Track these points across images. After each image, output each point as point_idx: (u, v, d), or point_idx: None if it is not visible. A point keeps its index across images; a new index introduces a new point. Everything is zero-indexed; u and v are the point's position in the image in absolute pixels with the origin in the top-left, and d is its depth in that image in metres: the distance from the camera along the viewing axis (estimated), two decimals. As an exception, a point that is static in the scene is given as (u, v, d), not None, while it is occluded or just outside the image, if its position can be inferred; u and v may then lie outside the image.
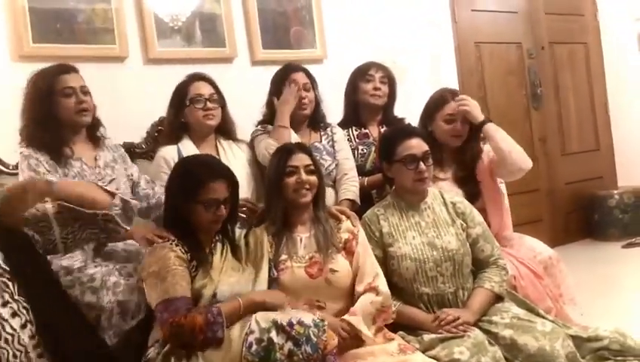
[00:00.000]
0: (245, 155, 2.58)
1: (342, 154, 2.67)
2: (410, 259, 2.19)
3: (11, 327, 1.53)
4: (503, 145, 2.52)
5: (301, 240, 2.13)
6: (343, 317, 1.99)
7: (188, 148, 2.44)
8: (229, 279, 1.97)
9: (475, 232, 2.28)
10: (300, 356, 1.70)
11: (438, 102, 2.66)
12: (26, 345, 1.53)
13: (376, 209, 2.33)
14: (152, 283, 1.85)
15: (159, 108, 2.67)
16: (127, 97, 2.94)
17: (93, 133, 2.32)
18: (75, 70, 2.25)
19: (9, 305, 1.55)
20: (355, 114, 2.90)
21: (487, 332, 2.09)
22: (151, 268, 1.88)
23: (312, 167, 2.15)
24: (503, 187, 2.76)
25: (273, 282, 2.05)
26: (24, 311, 1.55)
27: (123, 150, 2.51)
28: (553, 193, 4.54)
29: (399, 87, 3.25)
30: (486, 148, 2.74)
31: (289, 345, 1.71)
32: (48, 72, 2.21)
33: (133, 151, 2.75)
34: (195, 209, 1.95)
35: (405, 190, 2.30)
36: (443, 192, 2.38)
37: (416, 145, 2.24)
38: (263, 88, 2.76)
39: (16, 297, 1.55)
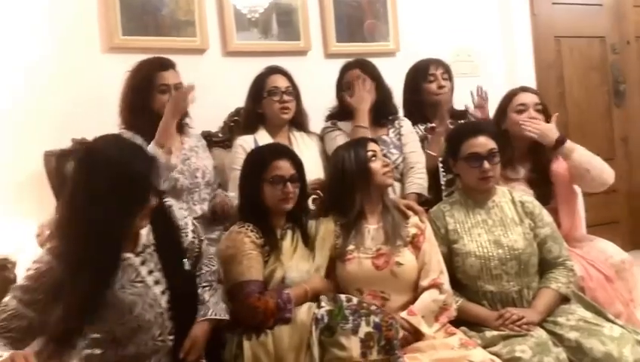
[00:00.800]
0: (316, 147, 2.66)
1: (409, 147, 2.68)
2: (475, 256, 2.20)
3: (154, 294, 1.70)
4: (581, 165, 2.45)
5: (369, 231, 2.17)
6: (402, 316, 2.02)
7: (263, 138, 2.54)
8: (297, 265, 2.06)
9: (544, 232, 2.25)
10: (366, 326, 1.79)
11: (507, 97, 2.64)
12: (163, 310, 1.71)
13: (442, 205, 2.35)
14: (228, 265, 1.98)
15: (236, 99, 2.79)
16: (205, 88, 3.03)
17: (180, 122, 2.47)
18: (173, 66, 2.40)
19: (153, 274, 1.72)
20: (420, 112, 2.89)
21: (551, 333, 2.07)
22: (228, 252, 2.01)
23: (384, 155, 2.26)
24: (577, 187, 2.69)
25: (338, 272, 2.12)
26: (164, 280, 1.72)
27: (204, 141, 2.65)
28: (632, 195, 4.35)
29: (474, 82, 3.23)
30: None
31: (355, 317, 1.81)
32: (150, 66, 2.37)
33: (211, 140, 2.89)
34: (263, 188, 2.07)
35: (471, 188, 2.30)
36: (512, 191, 2.36)
37: (482, 144, 2.23)
38: (335, 81, 2.80)
39: (158, 266, 1.73)
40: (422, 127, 2.85)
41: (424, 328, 2.00)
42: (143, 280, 1.70)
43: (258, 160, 2.14)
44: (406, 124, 2.76)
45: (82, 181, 1.63)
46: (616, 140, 4.30)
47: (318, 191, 2.41)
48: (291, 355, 1.83)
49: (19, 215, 2.70)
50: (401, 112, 2.91)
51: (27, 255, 2.39)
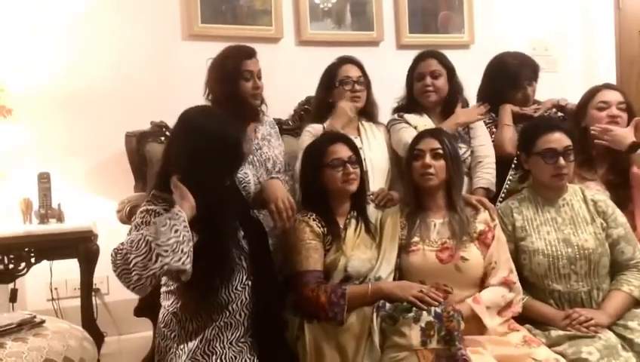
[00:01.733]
0: (384, 138, 2.66)
1: (478, 140, 2.64)
2: (543, 254, 2.16)
3: (239, 237, 1.91)
4: None
5: (435, 225, 2.17)
6: (467, 301, 2.01)
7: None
8: (360, 255, 2.08)
9: (617, 233, 2.18)
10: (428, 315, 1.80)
11: (588, 94, 2.56)
12: (244, 248, 1.91)
13: (511, 202, 2.31)
14: (289, 254, 2.04)
15: (307, 88, 2.83)
16: (278, 76, 3.14)
17: (255, 109, 2.53)
18: (255, 54, 2.45)
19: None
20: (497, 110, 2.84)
21: (621, 337, 2.01)
22: (289, 240, 2.07)
23: (440, 151, 2.16)
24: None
25: (401, 263, 2.13)
26: (240, 227, 1.93)
27: (277, 127, 2.71)
28: None
29: (552, 77, 3.13)
30: None
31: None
32: (236, 54, 2.42)
33: (281, 128, 2.95)
34: (325, 174, 2.11)
35: (542, 184, 2.25)
36: (584, 189, 2.30)
37: (558, 140, 2.18)
38: (406, 72, 2.78)
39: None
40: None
41: (487, 319, 1.98)
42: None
43: (315, 148, 2.19)
44: None
45: (182, 145, 1.82)
46: (703, 141, 4.06)
47: (381, 194, 2.41)
48: (352, 341, 1.87)
49: (101, 192, 2.89)
50: (474, 102, 2.87)
51: (108, 229, 2.57)
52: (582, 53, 3.83)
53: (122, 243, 1.66)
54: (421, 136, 2.23)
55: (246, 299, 1.88)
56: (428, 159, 2.14)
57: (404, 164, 2.21)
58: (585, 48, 3.84)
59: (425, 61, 2.67)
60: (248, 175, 2.13)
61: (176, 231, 1.64)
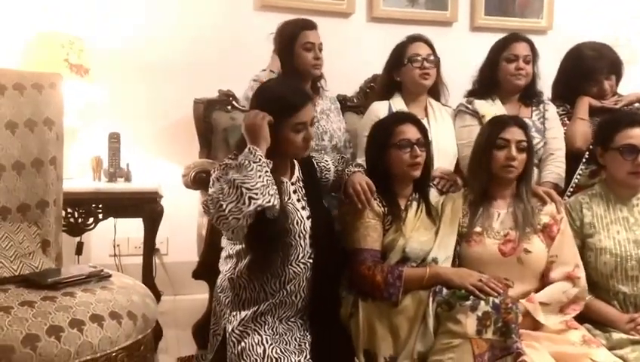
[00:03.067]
0: (451, 120, 2.61)
1: (552, 132, 2.56)
2: (611, 253, 2.08)
3: (301, 216, 1.94)
4: None
5: (498, 215, 2.11)
6: (520, 300, 1.96)
7: (398, 105, 2.53)
8: (420, 237, 2.06)
9: (692, 239, 2.08)
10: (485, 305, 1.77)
11: None
12: (306, 231, 1.93)
13: (581, 197, 2.23)
14: (347, 231, 2.04)
15: (374, 65, 2.79)
16: (347, 52, 3.12)
17: (315, 84, 2.54)
18: (315, 27, 2.49)
19: (301, 202, 1.98)
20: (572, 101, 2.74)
21: (687, 346, 1.94)
22: (348, 217, 2.06)
23: (525, 144, 2.10)
24: None
25: (460, 252, 2.09)
26: (309, 208, 1.98)
27: (338, 103, 2.70)
28: None
29: (633, 70, 2.98)
30: None
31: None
32: (295, 24, 2.48)
33: (345, 104, 2.95)
34: (391, 155, 2.07)
35: (617, 181, 2.17)
36: (662, 190, 2.19)
37: (638, 135, 2.09)
38: (479, 55, 2.71)
39: (305, 198, 2.00)
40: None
41: (540, 317, 1.94)
42: (293, 203, 1.93)
43: (383, 127, 2.15)
44: (551, 108, 2.63)
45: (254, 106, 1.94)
46: None
47: (445, 177, 2.38)
48: (405, 323, 1.86)
49: (167, 155, 2.97)
50: (549, 91, 2.79)
51: (172, 192, 2.64)
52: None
53: (210, 194, 1.74)
54: (506, 123, 2.12)
55: (304, 281, 1.91)
56: (514, 151, 2.07)
57: (482, 150, 2.12)
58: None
59: (520, 43, 2.58)
60: (329, 163, 2.15)
61: (259, 175, 1.71)
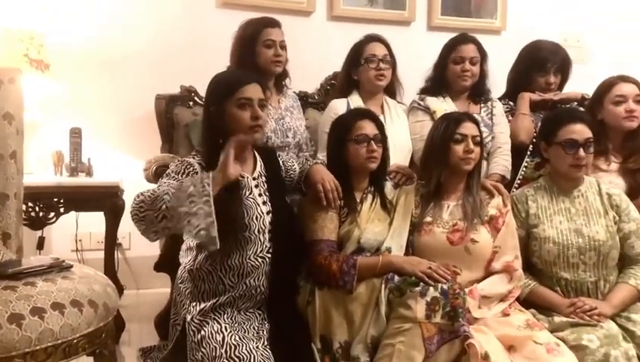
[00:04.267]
0: (406, 118, 2.71)
1: (499, 127, 2.69)
2: (554, 242, 2.20)
3: (261, 211, 1.99)
4: None
5: (448, 206, 2.21)
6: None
7: (356, 102, 2.61)
8: (374, 228, 2.14)
9: (628, 227, 2.21)
10: (434, 291, 1.86)
11: (605, 87, 2.57)
12: (266, 226, 1.98)
13: (527, 189, 2.34)
14: (305, 222, 2.11)
15: (335, 63, 2.87)
16: (307, 50, 3.19)
17: (280, 82, 2.60)
18: (278, 25, 2.52)
19: (262, 197, 2.02)
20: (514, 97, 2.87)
21: (623, 328, 2.05)
22: (305, 209, 2.13)
23: (478, 139, 2.21)
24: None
25: (412, 242, 2.18)
26: (269, 203, 2.02)
27: (299, 102, 2.76)
28: None
29: (580, 69, 3.13)
30: None
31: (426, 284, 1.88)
32: (257, 22, 2.51)
33: (306, 101, 3.02)
34: (349, 149, 2.16)
35: (560, 174, 2.28)
36: (600, 182, 2.32)
37: (579, 131, 2.20)
38: (435, 54, 2.80)
39: (267, 193, 2.03)
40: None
41: (476, 313, 2.03)
42: (254, 198, 1.98)
43: (342, 122, 2.24)
44: (499, 105, 2.77)
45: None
46: None
47: (400, 171, 2.45)
48: (360, 309, 1.93)
49: (129, 150, 2.99)
50: (503, 88, 2.92)
51: (133, 187, 2.67)
52: (614, 46, 3.79)
53: (147, 191, 1.78)
54: (462, 119, 2.22)
55: (263, 275, 1.96)
56: (471, 145, 2.17)
57: (439, 144, 2.20)
58: (617, 42, 3.80)
59: (467, 45, 2.69)
60: (294, 164, 2.22)
61: (191, 202, 1.70)
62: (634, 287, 2.15)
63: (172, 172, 1.92)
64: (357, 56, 2.64)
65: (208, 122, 1.97)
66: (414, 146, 2.60)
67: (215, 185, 1.73)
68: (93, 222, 2.75)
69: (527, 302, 2.20)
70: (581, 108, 2.76)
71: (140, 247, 3.08)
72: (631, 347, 1.99)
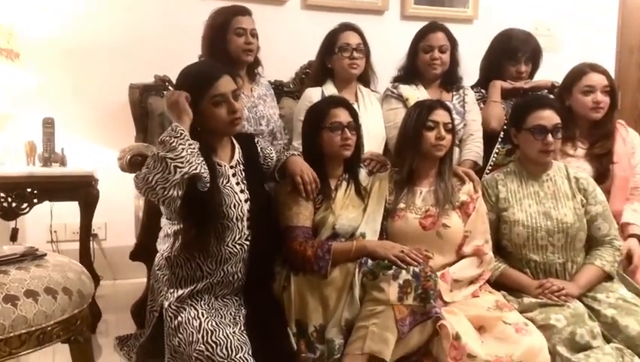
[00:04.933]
0: (380, 106, 2.74)
1: (471, 115, 2.73)
2: (523, 225, 2.25)
3: (238, 199, 2.00)
4: None
5: (421, 192, 2.25)
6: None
7: (331, 91, 2.64)
8: (348, 214, 2.17)
9: (595, 210, 2.28)
10: (406, 274, 1.90)
11: (575, 75, 2.62)
12: (244, 213, 2.00)
13: (497, 174, 2.40)
14: (280, 209, 2.13)
15: (310, 51, 2.87)
16: (283, 39, 3.20)
17: (252, 70, 2.61)
18: (249, 13, 2.52)
19: (240, 185, 2.04)
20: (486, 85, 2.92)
21: (589, 307, 2.12)
22: (281, 196, 2.15)
23: (450, 126, 2.25)
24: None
25: (386, 227, 2.22)
26: (247, 191, 2.04)
27: (272, 90, 2.78)
28: None
29: (552, 57, 3.18)
30: (632, 133, 2.66)
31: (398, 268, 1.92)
32: (227, 11, 2.51)
33: (282, 90, 3.03)
34: (324, 136, 2.18)
35: (529, 159, 2.34)
36: (568, 167, 2.38)
37: (548, 117, 2.25)
38: (408, 43, 2.83)
39: (244, 181, 2.05)
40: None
41: (447, 296, 2.09)
42: (231, 186, 2.00)
43: (317, 110, 2.26)
44: (470, 93, 2.82)
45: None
46: (693, 132, 4.13)
47: (374, 158, 2.48)
48: (334, 293, 1.97)
49: (103, 140, 2.97)
50: (475, 76, 2.96)
51: (108, 176, 2.67)
52: (584, 36, 3.86)
53: (139, 171, 1.81)
54: (434, 107, 2.26)
55: (240, 262, 1.98)
56: (443, 132, 2.21)
57: (411, 131, 2.24)
58: (587, 32, 3.87)
59: (435, 34, 2.72)
60: (272, 152, 2.24)
61: (182, 147, 1.78)
62: (600, 268, 2.21)
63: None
64: (331, 44, 2.66)
65: None
66: (388, 134, 2.63)
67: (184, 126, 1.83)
68: (69, 213, 2.74)
69: (497, 283, 2.26)
70: (551, 96, 2.82)
71: (116, 237, 3.09)
72: (596, 325, 2.06)
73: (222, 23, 2.47)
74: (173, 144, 1.78)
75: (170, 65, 2.71)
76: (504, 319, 2.00)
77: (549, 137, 2.24)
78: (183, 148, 1.79)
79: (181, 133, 1.81)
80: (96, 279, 2.61)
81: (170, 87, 2.80)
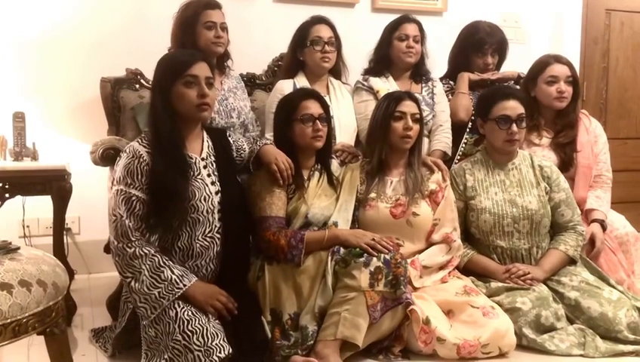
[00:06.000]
0: (350, 98, 2.78)
1: (439, 106, 2.79)
2: (490, 213, 2.32)
3: (209, 191, 2.02)
4: None
5: (391, 182, 2.31)
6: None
7: (302, 83, 2.66)
8: (321, 204, 2.22)
9: (558, 197, 2.36)
10: (377, 261, 1.95)
11: (539, 66, 2.69)
12: (215, 206, 2.01)
13: (464, 163, 2.47)
14: (253, 200, 2.16)
15: (282, 44, 2.89)
16: (254, 32, 3.21)
17: (222, 63, 2.61)
18: (219, 6, 2.52)
19: (211, 177, 2.04)
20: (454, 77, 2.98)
21: (553, 290, 2.21)
22: (254, 186, 2.18)
23: (418, 116, 2.30)
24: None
25: (358, 216, 2.27)
26: (218, 183, 2.05)
27: (243, 83, 2.79)
28: (665, 175, 4.33)
29: (520, 48, 3.24)
30: (595, 123, 2.74)
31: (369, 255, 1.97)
32: (197, 4, 2.50)
33: (254, 82, 3.04)
34: (295, 127, 2.22)
35: (495, 148, 2.41)
36: (533, 155, 2.46)
37: (512, 107, 2.32)
38: (379, 35, 2.86)
39: (215, 173, 2.07)
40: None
41: (416, 282, 2.16)
42: (203, 178, 2.02)
43: (288, 102, 2.29)
44: (439, 85, 2.87)
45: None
46: (655, 120, 4.27)
47: (346, 149, 2.52)
48: (307, 281, 2.02)
49: (75, 134, 2.96)
50: (445, 68, 3.02)
51: (80, 170, 2.66)
52: (550, 27, 3.95)
53: (118, 248, 1.93)
54: (401, 98, 2.31)
55: (214, 255, 2.01)
56: (410, 122, 2.25)
57: (380, 122, 2.30)
58: (553, 23, 3.95)
59: (410, 24, 2.77)
60: (244, 144, 2.26)
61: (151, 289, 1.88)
62: (563, 253, 2.30)
63: (126, 174, 1.92)
64: (303, 37, 2.69)
65: (157, 104, 1.98)
66: (359, 126, 2.68)
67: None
68: (41, 208, 2.72)
69: (466, 269, 2.33)
70: (517, 87, 2.89)
71: (90, 231, 3.08)
72: (560, 307, 2.15)
73: (191, 17, 2.47)
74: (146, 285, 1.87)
75: (142, 58, 2.75)
76: (472, 303, 2.08)
77: (514, 127, 2.30)
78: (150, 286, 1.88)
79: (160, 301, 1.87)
80: (70, 273, 2.60)
81: (142, 80, 2.81)
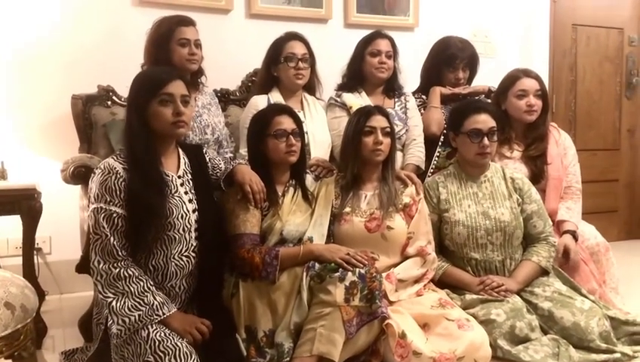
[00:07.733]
0: (324, 113, 2.79)
1: (413, 121, 2.82)
2: (463, 225, 2.35)
3: (186, 209, 2.00)
4: None
5: (365, 196, 2.32)
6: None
7: (276, 99, 2.67)
8: (296, 220, 2.21)
9: (530, 208, 2.39)
10: (352, 275, 1.95)
11: (509, 80, 2.74)
12: (192, 224, 1.99)
13: (438, 176, 2.49)
14: (228, 218, 2.15)
15: (256, 60, 2.90)
16: (227, 48, 3.21)
17: (196, 80, 2.61)
18: (193, 23, 2.53)
19: (188, 195, 2.03)
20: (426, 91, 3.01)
21: (527, 301, 2.23)
22: (228, 204, 2.17)
23: (388, 130, 2.32)
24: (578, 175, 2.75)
25: (333, 231, 2.27)
26: (195, 201, 2.03)
27: (217, 99, 2.79)
28: (632, 185, 4.44)
29: (490, 62, 3.28)
30: (564, 135, 2.80)
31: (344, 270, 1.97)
32: (171, 21, 2.50)
33: (228, 98, 3.05)
34: (269, 143, 2.22)
35: (467, 162, 2.44)
36: (505, 168, 2.49)
37: (484, 121, 2.36)
38: (352, 51, 2.89)
39: (192, 191, 2.04)
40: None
41: (392, 296, 2.16)
42: (180, 196, 2.00)
43: (262, 118, 2.29)
44: (412, 100, 2.90)
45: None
46: (622, 131, 4.36)
47: (321, 164, 2.53)
48: (283, 298, 2.00)
49: (46, 152, 2.91)
50: (417, 82, 3.06)
51: (51, 189, 2.62)
52: (519, 42, 4.03)
53: (100, 269, 1.88)
54: (371, 113, 2.33)
55: (190, 276, 1.99)
56: (380, 136, 2.27)
57: (351, 137, 2.31)
58: (522, 38, 4.04)
59: (382, 39, 2.80)
60: (221, 162, 2.25)
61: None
62: (536, 264, 2.33)
63: (105, 191, 1.88)
64: (276, 54, 2.70)
65: (132, 121, 1.96)
66: (334, 141, 2.69)
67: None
68: (11, 228, 2.67)
69: (441, 282, 2.34)
70: (488, 101, 2.94)
71: (61, 251, 3.03)
72: (534, 318, 2.17)
73: (165, 33, 2.47)
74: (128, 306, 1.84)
75: (114, 75, 2.75)
76: (447, 316, 2.08)
77: (485, 140, 2.34)
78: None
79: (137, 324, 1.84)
80: (41, 294, 2.55)
81: (114, 97, 2.78)
